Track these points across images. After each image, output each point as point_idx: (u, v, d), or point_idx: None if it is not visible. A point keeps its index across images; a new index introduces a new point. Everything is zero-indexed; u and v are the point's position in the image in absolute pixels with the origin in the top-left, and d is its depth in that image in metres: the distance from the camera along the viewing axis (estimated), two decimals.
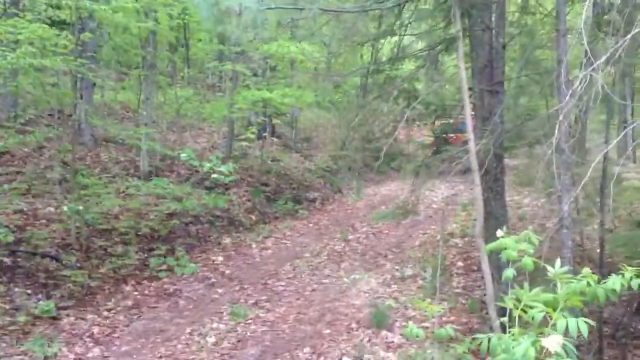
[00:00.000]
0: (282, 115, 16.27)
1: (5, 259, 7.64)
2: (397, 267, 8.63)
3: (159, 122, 14.47)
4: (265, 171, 13.81)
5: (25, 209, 9.14)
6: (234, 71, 13.00)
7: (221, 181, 10.18)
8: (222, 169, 9.64)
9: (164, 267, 8.89)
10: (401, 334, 6.14)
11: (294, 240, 10.63)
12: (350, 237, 10.57)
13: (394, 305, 7.01)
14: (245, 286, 8.14)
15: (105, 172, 11.37)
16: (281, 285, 8.10)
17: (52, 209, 9.35)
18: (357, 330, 6.37)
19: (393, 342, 6.07)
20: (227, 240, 10.47)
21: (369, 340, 6.10)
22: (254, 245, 10.19)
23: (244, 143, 14.04)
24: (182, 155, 9.74)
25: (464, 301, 7.36)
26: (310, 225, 11.82)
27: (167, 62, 18.51)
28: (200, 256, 9.63)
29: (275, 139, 16.88)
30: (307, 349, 5.93)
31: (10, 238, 7.79)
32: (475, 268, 8.37)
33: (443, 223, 10.55)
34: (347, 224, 11.68)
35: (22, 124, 11.74)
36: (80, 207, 8.26)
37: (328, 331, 6.41)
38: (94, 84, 12.74)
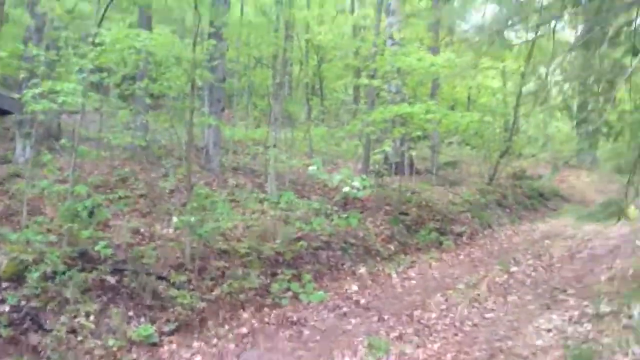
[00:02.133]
0: (423, 139, 14.62)
1: (109, 277, 6.56)
2: (585, 304, 6.57)
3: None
4: (405, 201, 12.20)
5: (142, 229, 8.19)
6: (371, 87, 11.74)
7: (353, 196, 8.72)
8: (356, 182, 8.20)
9: (288, 293, 7.49)
10: None
11: (442, 271, 8.87)
12: (513, 269, 8.60)
13: (596, 348, 5.02)
14: (386, 317, 6.50)
15: (231, 195, 10.40)
16: (432, 318, 6.36)
17: (170, 230, 8.35)
18: None
19: None
20: (362, 270, 8.90)
21: None
22: (394, 275, 8.56)
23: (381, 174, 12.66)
24: (310, 168, 8.45)
25: None
26: (460, 257, 9.98)
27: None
28: (330, 284, 8.13)
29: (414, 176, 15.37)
30: None
31: (111, 252, 6.76)
32: None
33: None
34: (506, 257, 9.69)
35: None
36: (192, 218, 7.08)
37: None
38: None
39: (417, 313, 6.57)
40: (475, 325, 6.09)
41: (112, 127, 11.97)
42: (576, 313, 6.25)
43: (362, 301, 7.25)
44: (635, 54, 4.76)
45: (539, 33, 9.13)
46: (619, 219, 7.12)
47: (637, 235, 11.49)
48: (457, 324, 6.13)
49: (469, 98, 24.51)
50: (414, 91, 16.37)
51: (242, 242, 8.40)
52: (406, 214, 11.78)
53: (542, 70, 6.57)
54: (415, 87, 15.95)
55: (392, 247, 10.27)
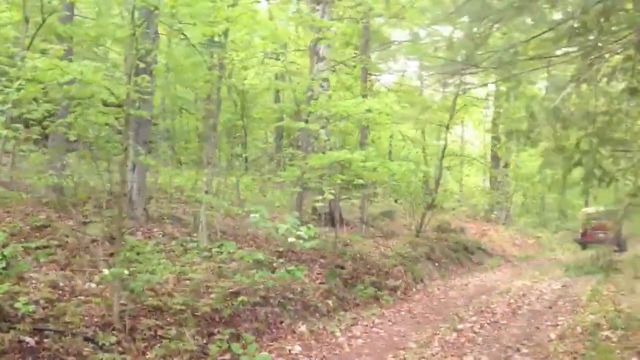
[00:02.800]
0: (360, 187, 14.35)
1: (27, 339, 5.69)
2: None
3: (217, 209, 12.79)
4: (339, 253, 11.80)
5: (61, 283, 7.32)
6: (304, 132, 11.39)
7: (300, 247, 8.22)
8: (302, 232, 7.72)
9: (228, 356, 6.82)
10: None
11: (388, 329, 8.44)
12: (459, 326, 8.29)
13: None
14: None
15: (158, 246, 9.62)
16: None
17: (93, 284, 7.51)
18: None
19: None
20: (302, 328, 8.33)
21: None
22: (338, 334, 8.04)
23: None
24: (252, 216, 7.89)
25: None
26: (402, 313, 9.61)
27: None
28: (271, 345, 7.51)
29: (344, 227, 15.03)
30: None
31: (33, 309, 5.90)
32: None
33: None
34: (448, 313, 9.42)
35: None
36: (127, 272, 6.34)
37: None
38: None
39: None
40: None
41: (25, 169, 11.02)
42: None
43: None
44: (632, 93, 4.65)
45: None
46: (607, 275, 6.96)
47: (567, 291, 11.62)
48: None
49: (390, 151, 24.86)
50: (343, 139, 16.28)
51: (173, 297, 7.67)
52: (342, 268, 11.37)
53: (535, 108, 6.40)
54: (344, 135, 15.86)
55: (330, 302, 9.78)
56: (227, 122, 15.69)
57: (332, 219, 14.12)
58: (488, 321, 8.71)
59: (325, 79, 15.27)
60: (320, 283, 10.31)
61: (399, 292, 11.68)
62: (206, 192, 10.42)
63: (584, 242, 22.79)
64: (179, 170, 17.07)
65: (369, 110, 10.15)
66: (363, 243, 13.80)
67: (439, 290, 12.17)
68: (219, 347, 6.78)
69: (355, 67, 16.72)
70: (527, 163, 34.22)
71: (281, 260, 10.02)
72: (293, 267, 8.59)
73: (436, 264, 15.17)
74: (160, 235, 10.46)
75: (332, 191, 9.67)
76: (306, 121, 11.65)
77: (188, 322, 7.22)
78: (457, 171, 30.09)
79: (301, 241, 7.58)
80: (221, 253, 8.63)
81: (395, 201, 20.85)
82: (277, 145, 22.43)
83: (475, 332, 7.98)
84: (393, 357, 6.81)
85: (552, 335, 7.68)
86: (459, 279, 14.15)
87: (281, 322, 8.44)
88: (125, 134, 7.26)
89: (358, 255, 12.59)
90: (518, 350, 7.06)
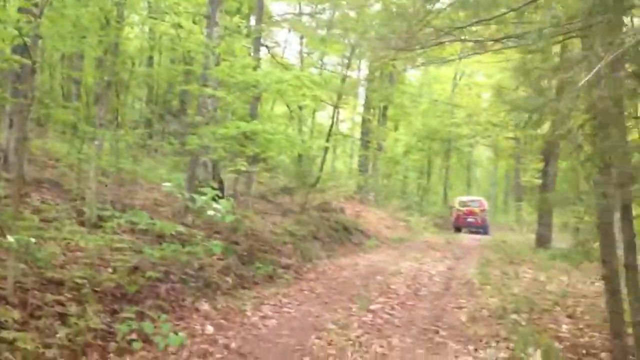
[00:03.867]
0: (259, 160, 13.83)
1: None
2: (471, 347, 6.33)
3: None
4: (233, 229, 11.28)
5: None
6: (204, 99, 10.67)
7: (217, 220, 7.65)
8: (221, 205, 7.16)
9: (134, 335, 6.15)
10: None
11: (297, 308, 8.14)
12: (371, 307, 8.18)
13: None
14: None
15: (39, 214, 8.52)
16: None
17: None
18: None
19: None
20: (206, 306, 7.80)
21: None
22: (249, 314, 7.59)
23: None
24: (165, 184, 7.19)
25: None
26: (305, 292, 9.36)
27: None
28: (177, 324, 6.92)
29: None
30: None
31: None
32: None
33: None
34: (351, 293, 9.30)
35: None
36: (34, 240, 5.46)
37: None
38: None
39: (307, 359, 5.74)
40: None
41: None
42: (470, 359, 5.96)
43: (233, 345, 6.21)
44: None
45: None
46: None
47: (454, 274, 12.01)
48: None
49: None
50: (232, 111, 15.62)
51: (69, 270, 6.81)
52: (237, 244, 10.90)
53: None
54: (233, 107, 15.22)
55: (229, 280, 9.31)
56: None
57: (222, 192, 13.51)
58: (395, 302, 8.70)
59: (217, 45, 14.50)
60: (217, 259, 9.78)
61: (291, 271, 11.42)
62: (97, 155, 9.43)
63: (458, 225, 26.57)
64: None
65: (280, 81, 9.67)
66: (252, 219, 13.35)
67: (330, 269, 12.06)
68: (129, 326, 6.08)
69: (248, 36, 16.06)
70: (392, 148, 35.49)
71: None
72: (214, 242, 8.01)
73: (320, 243, 15.11)
74: (40, 202, 9.34)
75: (244, 162, 9.12)
76: (211, 87, 10.90)
77: (89, 298, 6.45)
78: (331, 152, 30.44)
79: (219, 215, 7.01)
80: (117, 223, 7.80)
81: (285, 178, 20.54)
82: (154, 113, 21.14)
83: (389, 314, 7.90)
84: (317, 338, 6.51)
85: (463, 318, 7.80)
86: (344, 258, 14.16)
87: (183, 300, 7.86)
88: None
89: (250, 231, 12.16)
90: (437, 332, 7.06)
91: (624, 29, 4.12)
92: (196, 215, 10.46)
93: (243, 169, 9.32)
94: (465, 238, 21.88)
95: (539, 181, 27.51)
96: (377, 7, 18.70)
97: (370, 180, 29.30)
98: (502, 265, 13.33)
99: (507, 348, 6.22)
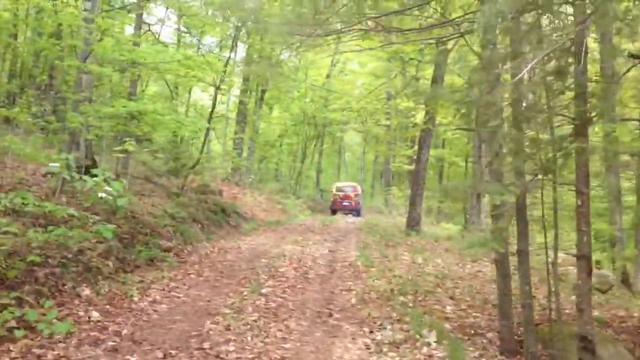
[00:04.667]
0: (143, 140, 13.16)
1: None
2: (366, 329, 6.48)
3: None
4: (112, 211, 10.69)
5: None
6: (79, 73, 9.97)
7: (111, 203, 7.19)
8: (113, 187, 6.75)
9: (17, 322, 5.68)
10: None
11: (186, 293, 7.92)
12: (263, 290, 8.12)
13: None
14: (172, 352, 5.35)
15: None
16: (230, 351, 5.46)
17: None
18: None
19: None
20: (87, 291, 7.37)
21: None
22: (136, 299, 7.26)
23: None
24: (52, 165, 6.64)
25: None
26: (192, 276, 9.11)
27: None
28: (60, 310, 6.48)
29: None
30: None
31: None
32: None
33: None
34: (239, 276, 9.20)
35: None
36: None
37: None
38: None
39: (206, 345, 5.58)
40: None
41: None
42: (368, 341, 6.09)
43: (124, 332, 5.90)
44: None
45: None
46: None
47: (336, 256, 12.24)
48: (262, 357, 5.38)
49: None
50: (112, 89, 14.80)
51: None
52: (117, 226, 10.36)
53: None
54: (113, 85, 14.44)
55: (111, 263, 8.83)
56: None
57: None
58: (286, 285, 8.70)
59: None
60: (97, 242, 9.24)
61: (172, 254, 11.07)
62: None
63: (334, 208, 27.65)
64: None
65: (173, 59, 9.25)
66: (131, 201, 12.74)
67: (213, 253, 11.84)
68: (12, 312, 5.60)
69: (129, 12, 15.22)
70: (266, 131, 35.48)
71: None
72: (102, 225, 7.54)
73: (199, 226, 14.79)
74: None
75: (132, 142, 8.65)
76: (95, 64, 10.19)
77: None
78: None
79: (111, 198, 6.60)
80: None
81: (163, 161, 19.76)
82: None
83: (281, 297, 7.89)
84: (213, 323, 6.36)
85: (354, 300, 7.96)
86: (224, 241, 13.96)
87: (63, 285, 7.36)
88: None
89: (130, 213, 11.61)
90: (330, 315, 7.16)
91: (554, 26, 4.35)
92: (70, 196, 9.83)
93: (132, 149, 8.82)
94: (341, 221, 22.38)
95: (409, 167, 28.90)
96: None
97: (245, 162, 29.08)
98: (380, 247, 13.77)
99: (402, 330, 6.43)
